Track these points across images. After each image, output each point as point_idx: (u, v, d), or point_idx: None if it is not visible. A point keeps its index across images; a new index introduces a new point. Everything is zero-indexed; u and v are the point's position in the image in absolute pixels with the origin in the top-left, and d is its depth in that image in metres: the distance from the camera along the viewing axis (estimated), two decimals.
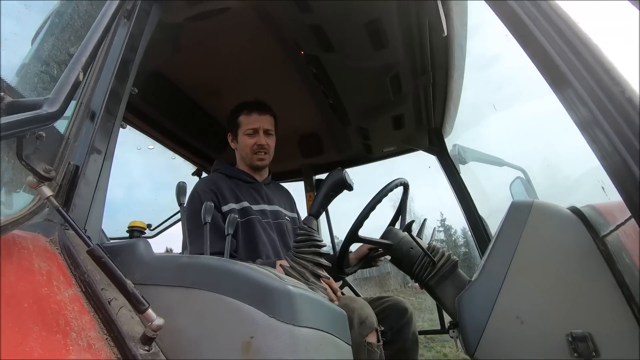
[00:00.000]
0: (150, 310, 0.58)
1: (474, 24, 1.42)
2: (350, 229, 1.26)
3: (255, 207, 1.50)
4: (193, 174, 2.39)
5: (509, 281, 0.98)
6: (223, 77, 1.76)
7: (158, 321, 0.58)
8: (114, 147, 0.89)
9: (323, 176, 2.61)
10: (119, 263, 0.80)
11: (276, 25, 1.44)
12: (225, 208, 1.42)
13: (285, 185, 2.69)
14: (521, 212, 1.05)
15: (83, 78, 0.65)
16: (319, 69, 1.59)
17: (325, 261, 0.85)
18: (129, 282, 0.58)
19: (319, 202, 0.92)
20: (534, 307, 0.94)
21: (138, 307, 0.57)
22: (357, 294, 2.20)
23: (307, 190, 2.55)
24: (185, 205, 0.94)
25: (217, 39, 1.53)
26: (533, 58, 0.74)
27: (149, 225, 2.24)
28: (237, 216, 1.04)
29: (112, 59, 0.95)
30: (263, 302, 0.66)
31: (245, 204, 1.47)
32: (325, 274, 0.83)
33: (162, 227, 2.07)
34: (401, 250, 1.30)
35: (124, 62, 0.97)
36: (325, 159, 2.49)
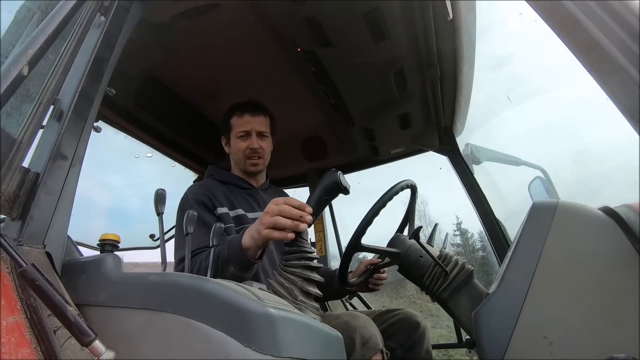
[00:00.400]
0: (97, 342, 0.49)
1: (484, 10, 1.30)
2: (352, 236, 1.15)
3: (250, 215, 1.41)
4: (195, 181, 2.32)
5: (533, 294, 0.85)
6: (219, 79, 1.69)
7: (107, 355, 0.48)
8: (83, 152, 0.81)
9: None
10: (84, 281, 0.72)
11: (270, 20, 1.35)
12: (220, 210, 1.33)
13: (291, 191, 2.61)
14: (544, 214, 0.92)
15: (28, 73, 0.57)
16: (318, 66, 1.50)
17: (318, 276, 0.74)
18: (70, 309, 0.49)
19: (312, 207, 0.82)
20: (564, 326, 0.80)
21: (81, 338, 0.48)
22: (367, 305, 2.07)
23: None
24: (162, 214, 0.85)
25: (210, 39, 1.45)
26: (569, 41, 0.62)
27: (151, 236, 2.18)
28: (222, 225, 0.94)
29: (83, 56, 0.88)
30: (237, 329, 0.56)
31: (240, 211, 1.38)
32: (317, 291, 0.72)
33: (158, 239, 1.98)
34: (409, 259, 1.17)
35: (98, 61, 0.90)
36: (330, 163, 2.38)
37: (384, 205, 1.15)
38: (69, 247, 0.80)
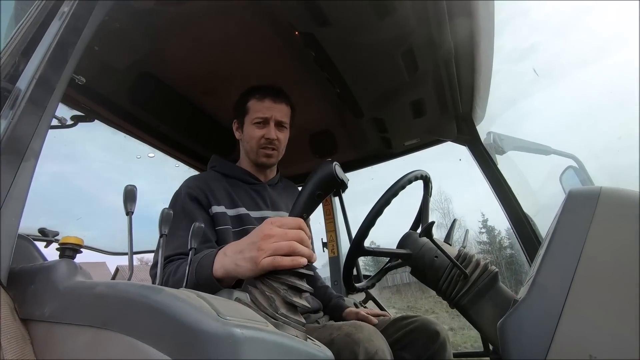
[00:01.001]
0: None
1: None
2: (353, 240, 1.01)
3: (254, 214, 1.28)
4: None
5: (573, 301, 0.69)
6: (216, 72, 1.59)
7: None
8: (40, 146, 0.72)
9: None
10: (33, 292, 0.62)
11: (263, 2, 1.24)
12: (215, 209, 1.19)
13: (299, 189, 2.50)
14: (585, 204, 0.76)
15: None
16: (318, 50, 1.37)
17: (305, 285, 0.61)
18: None
19: (301, 205, 0.69)
20: (615, 341, 0.64)
21: None
22: (381, 308, 1.92)
23: None
24: (132, 213, 0.75)
25: (202, 28, 1.35)
26: None
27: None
28: (202, 225, 0.83)
29: (44, 40, 0.79)
30: (188, 353, 0.44)
31: (242, 210, 1.25)
32: (305, 302, 0.60)
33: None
34: (423, 260, 1.03)
35: (62, 45, 0.80)
36: (340, 158, 2.22)
37: (388, 203, 1.01)
38: (30, 253, 0.71)
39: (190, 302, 0.48)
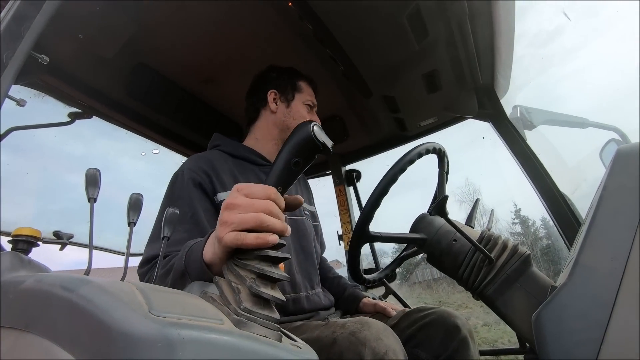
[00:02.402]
0: None
1: None
2: (357, 224, 0.88)
3: None
4: None
5: (631, 283, 0.54)
6: (213, 58, 1.50)
7: None
8: None
9: (354, 166, 2.24)
10: None
11: None
12: (221, 196, 1.06)
13: (313, 181, 2.38)
14: (637, 163, 0.60)
15: None
16: (316, 22, 1.25)
17: (279, 272, 0.50)
18: None
19: (276, 176, 0.57)
20: None
21: None
22: (403, 302, 1.78)
23: (336, 184, 2.20)
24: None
25: (193, 13, 1.26)
26: None
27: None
28: (176, 211, 0.73)
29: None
30: (111, 358, 0.34)
31: None
32: (274, 293, 0.48)
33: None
34: (439, 246, 0.89)
35: (17, 19, 0.73)
36: (353, 145, 2.12)
37: (394, 180, 0.87)
38: None
39: (117, 296, 0.37)
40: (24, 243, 0.62)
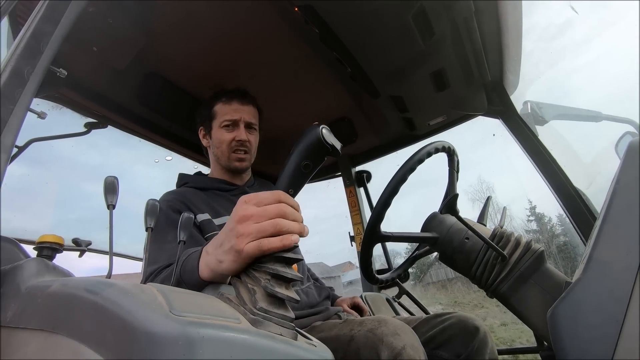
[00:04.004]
0: None
1: None
2: (368, 224, 0.89)
3: None
4: None
5: None
6: (221, 65, 1.53)
7: None
8: (12, 141, 0.67)
9: (364, 167, 2.24)
10: (1, 295, 0.57)
11: None
12: (200, 217, 1.11)
13: (324, 183, 2.40)
14: None
15: None
16: (321, 25, 1.26)
17: (293, 272, 0.51)
18: None
19: (287, 180, 0.59)
20: None
21: None
22: (417, 303, 1.77)
23: (346, 185, 2.21)
24: (114, 206, 0.68)
25: (201, 21, 1.29)
26: None
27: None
28: (191, 216, 0.75)
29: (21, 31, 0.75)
30: (131, 357, 0.35)
31: (227, 218, 1.15)
32: (289, 293, 0.49)
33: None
34: (451, 244, 0.89)
35: (36, 36, 0.76)
36: (362, 146, 2.12)
37: (404, 180, 0.87)
38: (13, 255, 0.67)
39: (139, 297, 0.39)
40: (48, 249, 0.65)
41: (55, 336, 0.43)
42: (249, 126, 1.30)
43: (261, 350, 0.39)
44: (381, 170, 2.22)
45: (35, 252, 0.65)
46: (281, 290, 0.48)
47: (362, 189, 2.20)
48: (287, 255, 0.51)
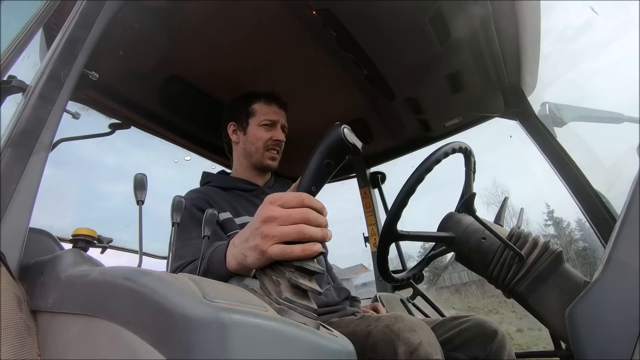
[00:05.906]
0: None
1: None
2: (385, 223, 0.91)
3: None
4: None
5: None
6: (240, 68, 1.57)
7: None
8: (51, 140, 0.72)
9: (379, 168, 2.25)
10: (41, 284, 0.60)
11: None
12: (222, 216, 1.15)
13: (338, 184, 2.41)
14: None
15: None
16: (339, 29, 1.29)
17: (316, 265, 0.53)
18: None
19: (309, 178, 0.61)
20: None
21: None
22: (431, 304, 1.77)
23: (361, 186, 2.22)
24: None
25: (220, 24, 1.33)
26: None
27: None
28: (215, 212, 0.79)
29: (57, 37, 0.80)
30: (169, 340, 0.38)
31: (247, 218, 1.19)
32: (313, 285, 0.51)
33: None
34: (468, 244, 0.90)
35: (71, 41, 0.81)
36: (377, 148, 2.14)
37: (420, 180, 0.89)
38: (50, 247, 0.71)
39: (174, 285, 0.42)
40: (82, 242, 0.69)
41: (96, 320, 0.46)
42: (283, 128, 1.38)
43: (287, 336, 0.42)
44: (395, 171, 2.23)
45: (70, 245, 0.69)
46: (305, 282, 0.51)
47: (376, 190, 2.21)
48: (308, 267, 0.53)
